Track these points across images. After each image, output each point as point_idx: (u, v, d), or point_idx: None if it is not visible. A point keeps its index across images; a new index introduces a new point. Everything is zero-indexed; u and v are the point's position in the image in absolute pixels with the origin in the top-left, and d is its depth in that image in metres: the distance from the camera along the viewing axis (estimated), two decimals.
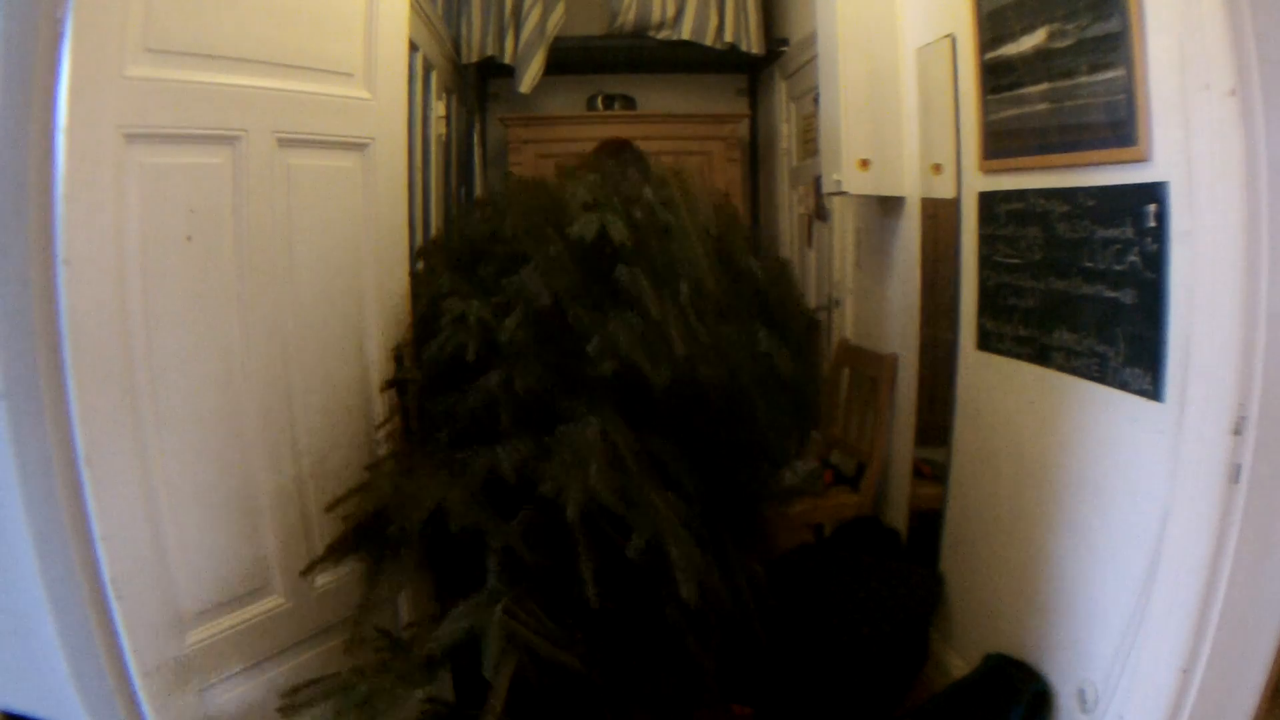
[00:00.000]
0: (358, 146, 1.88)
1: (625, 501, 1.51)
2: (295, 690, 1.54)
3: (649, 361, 1.56)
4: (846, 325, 3.31)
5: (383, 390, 1.95)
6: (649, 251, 1.68)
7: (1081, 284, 1.79)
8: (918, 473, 2.73)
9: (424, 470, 1.62)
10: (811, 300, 3.87)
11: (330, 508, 1.71)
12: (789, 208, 4.17)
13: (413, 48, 3.55)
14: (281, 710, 1.55)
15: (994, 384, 2.19)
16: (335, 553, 1.67)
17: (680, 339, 1.58)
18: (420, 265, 2.08)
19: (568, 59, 3.91)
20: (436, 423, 1.73)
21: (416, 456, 1.73)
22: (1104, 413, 1.74)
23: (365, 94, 1.89)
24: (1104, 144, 1.69)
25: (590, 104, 4.13)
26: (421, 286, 1.95)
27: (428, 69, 3.11)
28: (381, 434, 1.98)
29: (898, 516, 2.80)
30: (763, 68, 4.29)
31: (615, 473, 1.52)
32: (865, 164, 2.64)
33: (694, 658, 1.72)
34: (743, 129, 4.35)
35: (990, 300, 2.18)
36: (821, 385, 2.12)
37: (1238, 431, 1.40)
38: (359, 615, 1.62)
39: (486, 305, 1.66)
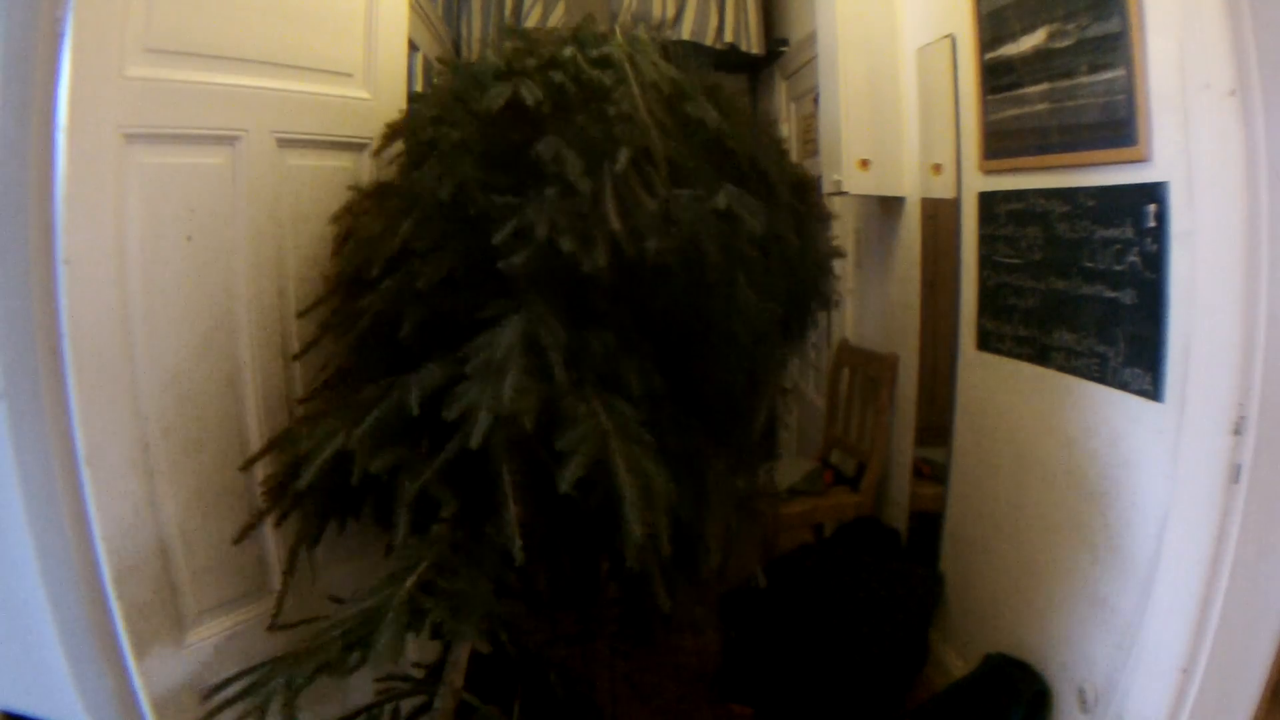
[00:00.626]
0: (357, 147, 1.88)
1: (556, 419, 1.25)
2: (216, 688, 1.39)
3: (580, 244, 1.28)
4: (846, 325, 3.31)
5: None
6: (575, 119, 1.41)
7: (1081, 284, 1.79)
8: (918, 473, 2.73)
9: (333, 413, 1.41)
10: None
11: (243, 467, 1.53)
12: None
13: (412, 48, 3.55)
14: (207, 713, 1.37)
15: (994, 384, 2.19)
16: (254, 519, 1.51)
17: (615, 213, 1.30)
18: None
19: None
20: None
21: (330, 397, 1.53)
22: (1104, 413, 1.74)
23: (365, 94, 1.89)
24: (1104, 144, 1.69)
25: None
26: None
27: (428, 69, 3.11)
28: None
29: (898, 516, 2.80)
30: (763, 68, 4.29)
31: (541, 383, 1.25)
32: (865, 164, 2.64)
33: (655, 612, 1.36)
34: None
35: (990, 300, 2.18)
36: (825, 250, 1.75)
37: (1238, 431, 1.40)
38: (281, 586, 1.47)
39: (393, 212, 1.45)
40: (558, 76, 1.44)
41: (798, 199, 1.65)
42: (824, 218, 1.82)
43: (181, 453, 1.54)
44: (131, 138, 1.42)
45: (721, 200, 1.36)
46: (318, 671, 1.27)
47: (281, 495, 1.48)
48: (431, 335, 1.40)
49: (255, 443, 1.68)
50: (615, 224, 1.30)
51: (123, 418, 1.44)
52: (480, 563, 1.34)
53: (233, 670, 1.63)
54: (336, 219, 1.67)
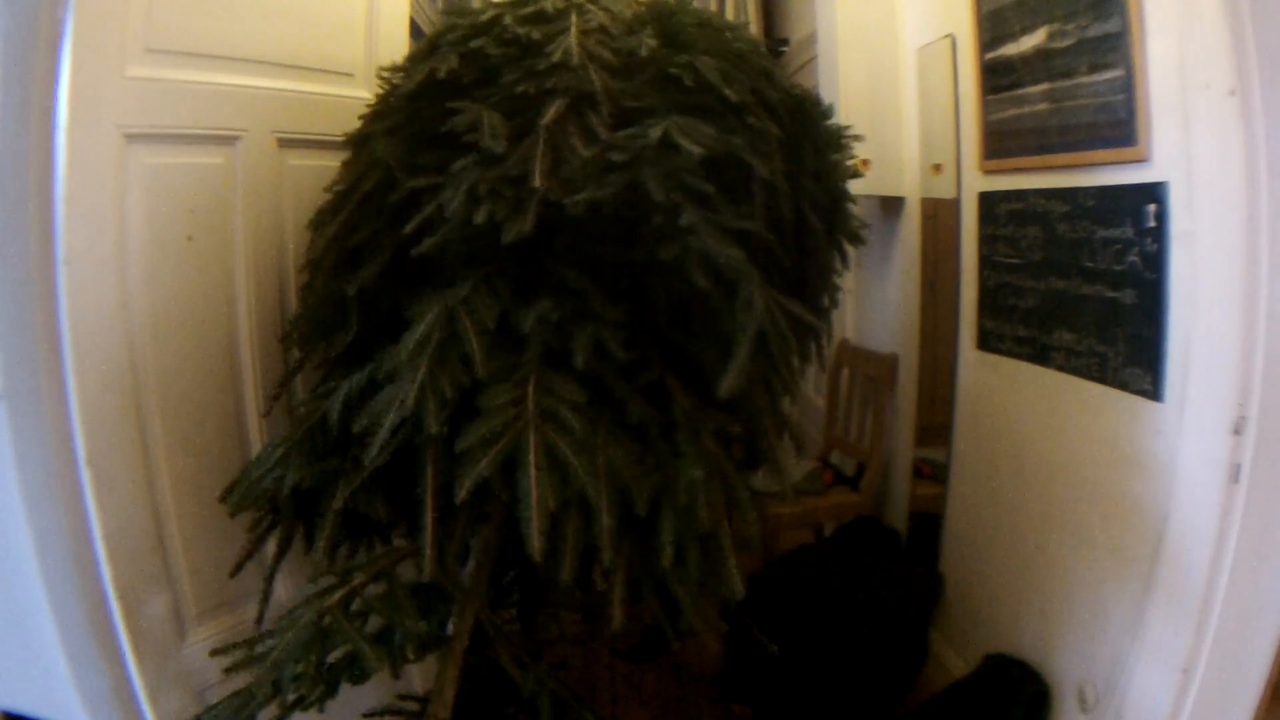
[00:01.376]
0: None
1: (473, 410, 1.14)
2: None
3: (506, 211, 1.17)
4: (846, 325, 3.31)
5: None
6: (502, 80, 1.33)
7: (1081, 284, 1.79)
8: (918, 473, 2.73)
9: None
10: None
11: (220, 498, 1.45)
12: None
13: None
14: None
15: (994, 384, 2.19)
16: (248, 549, 1.48)
17: (540, 170, 1.18)
18: None
19: None
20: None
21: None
22: (1104, 413, 1.74)
23: (366, 94, 1.89)
24: (1104, 144, 1.69)
25: None
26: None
27: None
28: None
29: (898, 516, 2.80)
30: None
31: (462, 367, 1.15)
32: (865, 164, 2.64)
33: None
34: None
35: (990, 300, 2.18)
36: (842, 175, 1.57)
37: (1238, 431, 1.40)
38: (261, 596, 1.43)
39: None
40: (476, 43, 1.35)
41: (796, 123, 1.43)
42: (835, 143, 1.58)
43: (181, 453, 1.54)
44: (131, 138, 1.42)
45: (654, 131, 1.19)
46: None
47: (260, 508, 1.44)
48: (386, 336, 1.26)
49: (255, 443, 1.68)
50: (538, 181, 1.17)
51: (123, 418, 1.44)
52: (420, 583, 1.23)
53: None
54: (310, 225, 1.55)
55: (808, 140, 1.46)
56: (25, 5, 1.28)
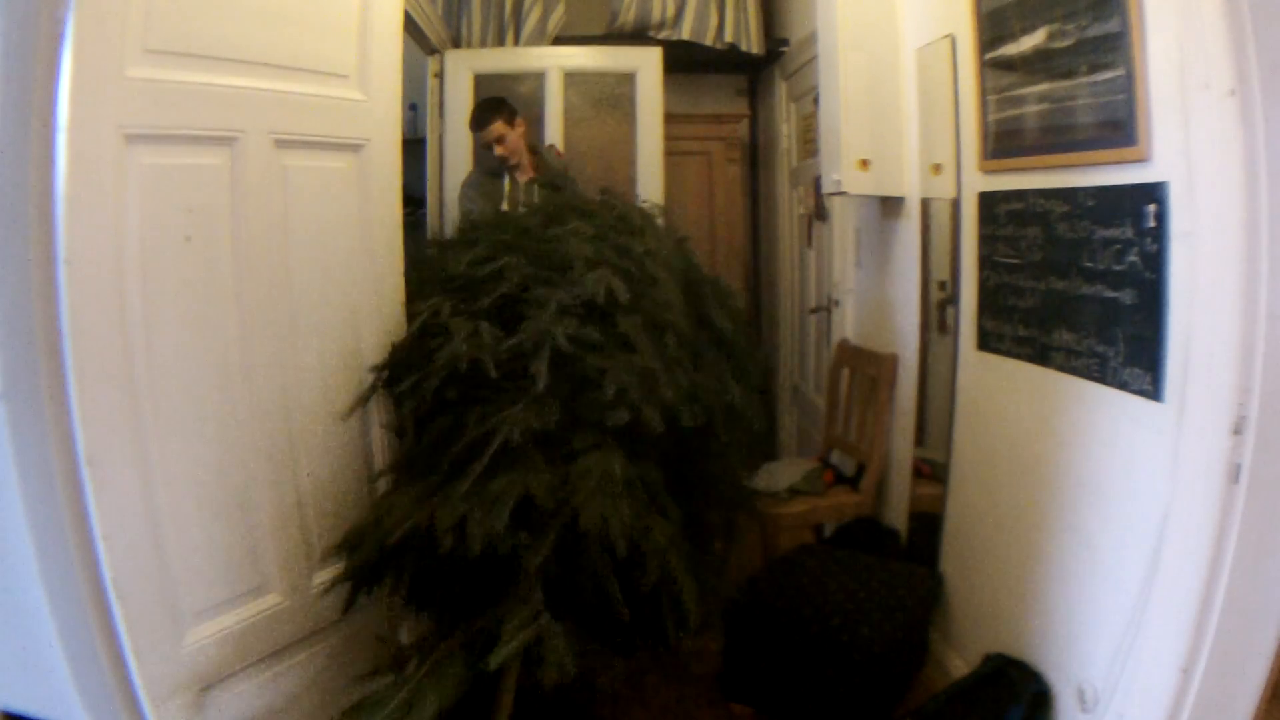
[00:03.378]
0: (353, 148, 1.88)
1: (638, 529, 1.62)
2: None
3: (647, 408, 1.70)
4: (846, 325, 3.31)
5: (377, 391, 1.95)
6: (641, 303, 1.84)
7: (1081, 284, 1.79)
8: (918, 473, 2.73)
9: (416, 492, 1.68)
10: (811, 300, 3.88)
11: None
12: (789, 208, 4.17)
13: (430, 50, 3.55)
14: None
15: (994, 384, 2.19)
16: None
17: (669, 388, 1.74)
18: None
19: None
20: (442, 441, 1.74)
21: (414, 479, 1.76)
22: (1104, 413, 1.74)
23: (360, 95, 1.89)
24: (1104, 144, 1.69)
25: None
26: (415, 305, 1.95)
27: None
28: (379, 433, 1.98)
29: (898, 516, 2.80)
30: (763, 68, 4.29)
31: (631, 501, 1.63)
32: (865, 164, 2.64)
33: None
34: (743, 129, 4.35)
35: (990, 300, 2.18)
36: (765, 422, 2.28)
37: (1238, 431, 1.40)
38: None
39: (496, 329, 1.77)
40: (630, 267, 1.90)
41: (762, 380, 2.29)
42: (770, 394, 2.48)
43: (180, 452, 1.54)
44: (131, 138, 1.42)
45: (735, 396, 1.96)
46: None
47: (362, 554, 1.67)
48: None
49: (253, 441, 1.68)
50: (669, 397, 1.72)
51: (123, 418, 1.44)
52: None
53: (232, 670, 1.64)
54: None
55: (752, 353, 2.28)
56: (25, 5, 1.29)
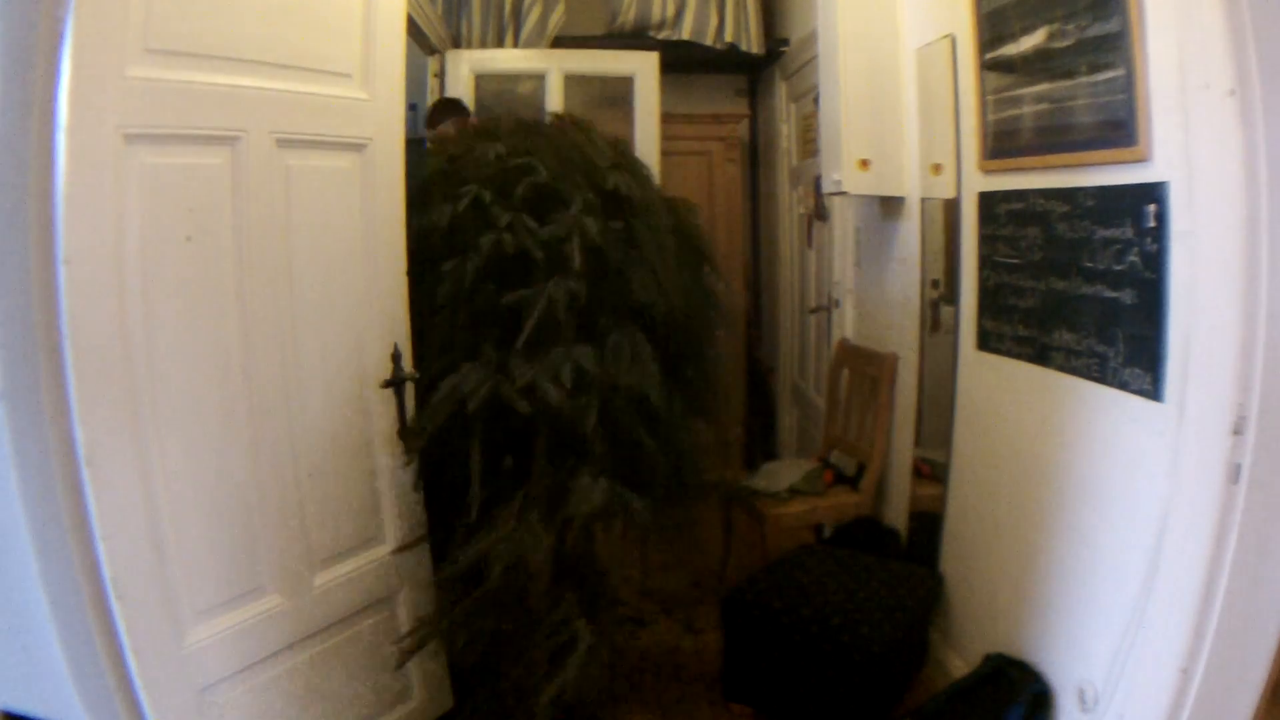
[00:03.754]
0: (356, 147, 1.88)
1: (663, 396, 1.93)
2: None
3: (658, 296, 1.97)
4: (846, 325, 3.31)
5: (381, 389, 1.95)
6: (649, 209, 2.09)
7: (1081, 284, 1.79)
8: (918, 473, 2.73)
9: (481, 366, 1.88)
10: (811, 300, 3.88)
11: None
12: (789, 208, 4.17)
13: (430, 50, 3.55)
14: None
15: (994, 384, 2.19)
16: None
17: (670, 285, 1.99)
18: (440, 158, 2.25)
19: None
20: (483, 318, 1.95)
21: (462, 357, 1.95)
22: (1104, 413, 1.74)
23: (363, 94, 1.89)
24: (1104, 144, 1.69)
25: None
26: (453, 188, 2.07)
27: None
28: (379, 433, 1.98)
29: (898, 516, 2.80)
30: (763, 68, 4.29)
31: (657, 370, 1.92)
32: (865, 164, 2.64)
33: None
34: (743, 129, 4.35)
35: (990, 300, 2.18)
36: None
37: (1238, 431, 1.40)
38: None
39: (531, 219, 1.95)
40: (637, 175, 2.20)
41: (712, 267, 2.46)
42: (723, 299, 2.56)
43: (180, 452, 1.54)
44: (131, 138, 1.42)
45: (706, 280, 2.34)
46: None
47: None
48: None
49: (254, 441, 1.68)
50: (671, 291, 2.05)
51: (123, 418, 1.44)
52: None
53: (231, 670, 1.64)
54: None
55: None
56: (25, 5, 1.29)
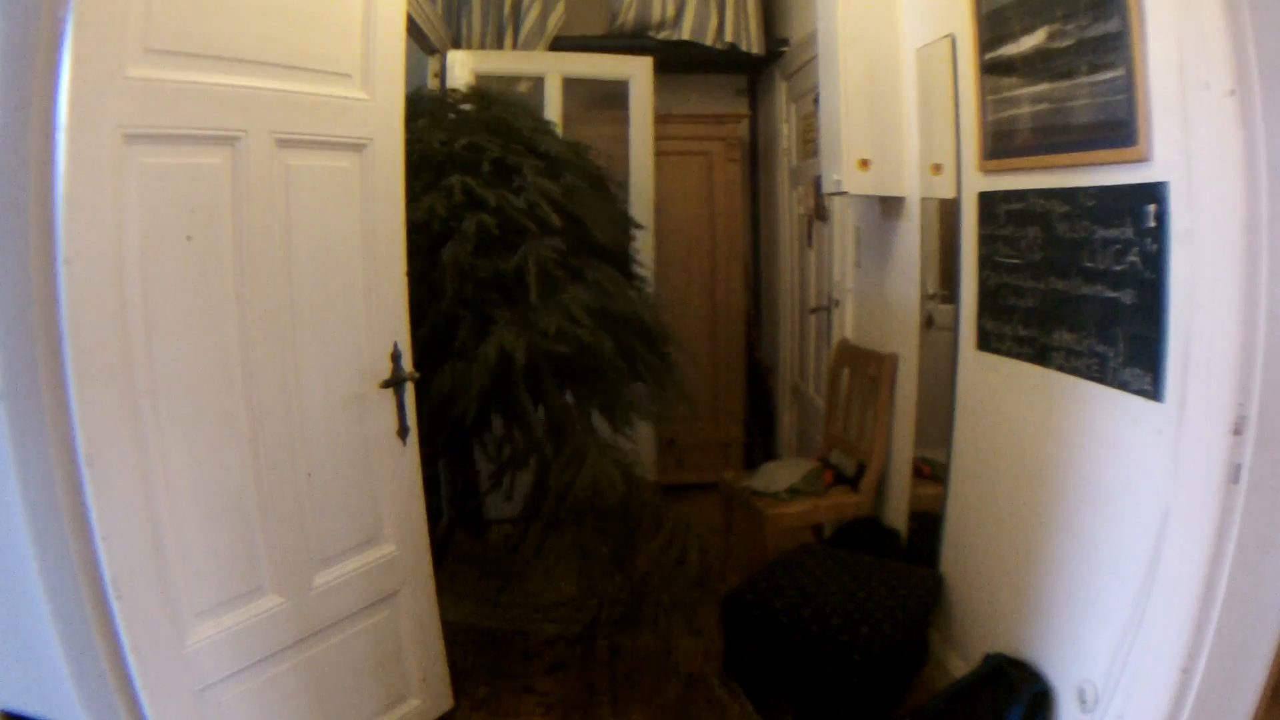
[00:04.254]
0: (356, 147, 1.88)
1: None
2: None
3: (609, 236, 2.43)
4: (846, 325, 3.31)
5: (381, 388, 1.96)
6: (569, 159, 2.48)
7: (1081, 284, 1.79)
8: (918, 473, 2.73)
9: (512, 322, 2.22)
10: (811, 300, 3.88)
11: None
12: (789, 208, 4.17)
13: (430, 50, 3.55)
14: None
15: (994, 384, 2.19)
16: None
17: (611, 221, 2.48)
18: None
19: None
20: (489, 288, 2.23)
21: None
22: (1104, 413, 1.74)
23: (363, 94, 1.89)
24: (1104, 144, 1.69)
25: None
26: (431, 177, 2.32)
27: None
28: (379, 433, 1.98)
29: (898, 516, 2.80)
30: (763, 68, 4.29)
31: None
32: (865, 164, 2.64)
33: None
34: (743, 129, 4.35)
35: (990, 300, 2.18)
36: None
37: (1238, 431, 1.40)
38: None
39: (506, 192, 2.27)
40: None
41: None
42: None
43: (180, 452, 1.54)
44: (131, 137, 1.42)
45: (616, 213, 2.74)
46: None
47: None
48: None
49: (253, 441, 1.68)
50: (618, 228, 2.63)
51: (123, 418, 1.44)
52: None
53: (231, 670, 1.64)
54: None
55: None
56: (25, 5, 1.29)
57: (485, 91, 2.65)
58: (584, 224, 2.35)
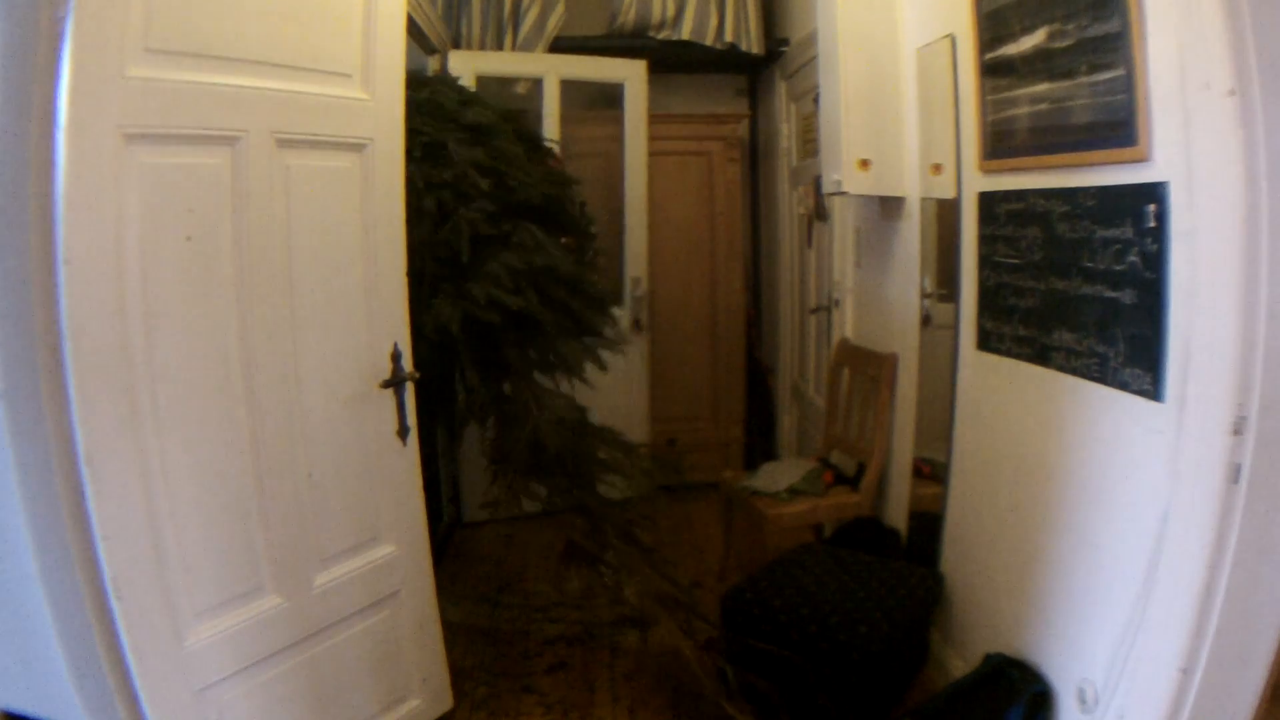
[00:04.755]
0: (356, 147, 1.88)
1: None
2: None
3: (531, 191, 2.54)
4: (846, 325, 3.31)
5: (381, 388, 1.96)
6: (496, 125, 2.61)
7: (1081, 284, 1.79)
8: (918, 473, 2.73)
9: (447, 295, 2.35)
10: (811, 300, 3.88)
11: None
12: (789, 208, 4.17)
13: (429, 50, 3.55)
14: None
15: (994, 384, 2.19)
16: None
17: (533, 177, 2.59)
18: None
19: None
20: (445, 262, 2.37)
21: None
22: (1104, 413, 1.74)
23: (363, 94, 1.89)
24: (1104, 144, 1.69)
25: None
26: None
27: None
28: (379, 433, 1.98)
29: (898, 516, 2.80)
30: (763, 68, 4.29)
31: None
32: (865, 164, 2.64)
33: None
34: (743, 129, 4.35)
35: (990, 300, 2.18)
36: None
37: (1238, 431, 1.40)
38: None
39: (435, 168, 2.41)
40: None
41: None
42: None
43: (180, 452, 1.54)
44: (131, 137, 1.42)
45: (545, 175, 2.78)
46: None
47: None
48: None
49: (253, 441, 1.68)
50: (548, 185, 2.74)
51: (123, 418, 1.44)
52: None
53: (231, 670, 1.64)
54: None
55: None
56: (25, 5, 1.29)
57: (415, 74, 2.71)
58: (509, 186, 2.49)
